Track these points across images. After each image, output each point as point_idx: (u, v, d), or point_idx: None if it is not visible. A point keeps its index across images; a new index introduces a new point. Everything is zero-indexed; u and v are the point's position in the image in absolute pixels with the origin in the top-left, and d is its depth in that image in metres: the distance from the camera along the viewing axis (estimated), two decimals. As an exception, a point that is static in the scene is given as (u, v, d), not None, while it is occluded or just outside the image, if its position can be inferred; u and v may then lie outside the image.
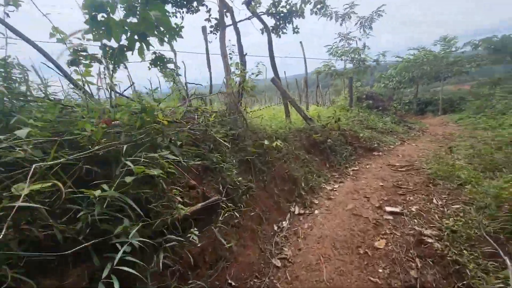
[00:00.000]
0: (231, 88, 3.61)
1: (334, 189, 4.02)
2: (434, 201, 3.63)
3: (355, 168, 4.93)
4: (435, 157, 5.31)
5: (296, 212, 3.30)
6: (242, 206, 2.69)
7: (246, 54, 5.54)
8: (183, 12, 6.89)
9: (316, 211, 3.36)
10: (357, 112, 9.21)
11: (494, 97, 11.05)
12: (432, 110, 17.43)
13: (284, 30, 7.61)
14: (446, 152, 5.62)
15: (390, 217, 3.28)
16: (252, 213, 2.78)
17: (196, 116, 2.88)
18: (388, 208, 3.43)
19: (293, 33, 7.62)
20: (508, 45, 12.31)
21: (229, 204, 2.48)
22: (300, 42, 11.80)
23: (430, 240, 2.90)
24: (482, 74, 18.05)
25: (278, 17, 7.25)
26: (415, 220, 3.22)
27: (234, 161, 2.89)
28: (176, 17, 6.87)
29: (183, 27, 7.56)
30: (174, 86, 3.35)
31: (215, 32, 6.94)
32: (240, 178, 2.82)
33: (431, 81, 18.58)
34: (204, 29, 6.62)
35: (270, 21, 7.18)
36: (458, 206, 3.50)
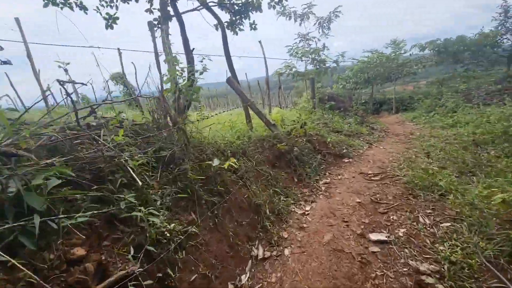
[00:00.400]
0: (167, 91, 2.64)
1: (306, 213, 3.25)
2: (421, 219, 3.07)
3: (327, 181, 4.26)
4: (406, 161, 4.92)
5: (260, 256, 2.44)
6: (176, 269, 1.74)
7: (193, 49, 4.56)
8: (117, 1, 5.69)
9: (286, 251, 2.53)
10: (321, 114, 8.77)
11: (442, 96, 11.57)
12: (387, 109, 18.16)
13: (241, 27, 6.80)
14: (416, 154, 5.32)
15: (377, 249, 2.60)
16: (193, 277, 1.84)
17: (101, 134, 1.86)
18: (373, 236, 2.76)
19: (251, 29, 6.82)
20: (449, 47, 13.14)
21: (149, 278, 1.51)
22: (259, 42, 11.12)
23: (430, 281, 2.27)
24: (428, 74, 19.40)
25: (233, 11, 6.41)
26: (406, 250, 2.58)
27: (163, 198, 1.93)
28: (111, 7, 5.65)
29: (117, 18, 6.21)
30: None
31: (159, 25, 5.84)
32: (173, 224, 1.87)
33: (384, 82, 19.41)
34: (150, 24, 5.48)
35: (225, 16, 6.31)
36: (447, 224, 2.99)
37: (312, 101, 10.00)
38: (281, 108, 16.69)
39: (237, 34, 6.73)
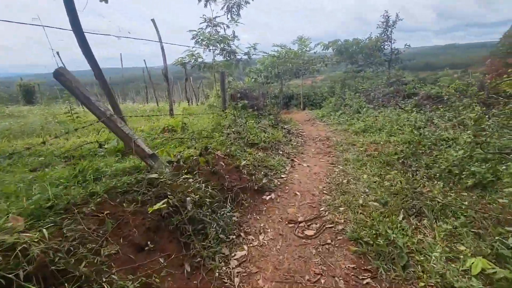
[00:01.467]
0: None
1: None
2: None
3: (242, 253, 2.54)
4: (338, 190, 3.80)
5: None
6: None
7: None
8: None
9: None
10: (233, 117, 7.10)
11: (345, 95, 11.88)
12: (295, 104, 18.40)
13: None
14: (345, 176, 4.32)
15: None
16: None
17: None
18: None
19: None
20: (348, 48, 13.85)
21: None
22: (152, 20, 8.39)
23: None
24: (329, 71, 20.68)
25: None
26: None
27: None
28: None
29: None
30: None
31: None
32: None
33: (292, 77, 19.56)
34: None
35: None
36: None
37: (222, 101, 8.20)
38: (189, 103, 14.23)
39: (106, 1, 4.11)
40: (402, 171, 4.20)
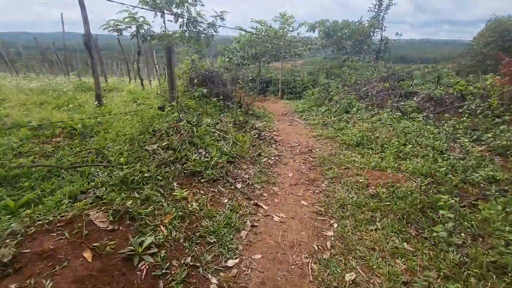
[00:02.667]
0: None
1: None
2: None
3: None
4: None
5: None
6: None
7: None
8: None
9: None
10: (178, 116, 4.77)
11: (330, 87, 9.90)
12: (273, 90, 16.14)
13: None
14: (345, 257, 2.36)
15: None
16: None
17: None
18: None
19: None
20: (336, 31, 11.69)
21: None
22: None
23: None
24: (311, 55, 18.47)
25: None
26: None
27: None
28: None
29: None
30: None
31: None
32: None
33: (271, 60, 17.10)
34: None
35: None
36: None
37: (169, 87, 5.75)
38: (142, 85, 11.36)
39: None
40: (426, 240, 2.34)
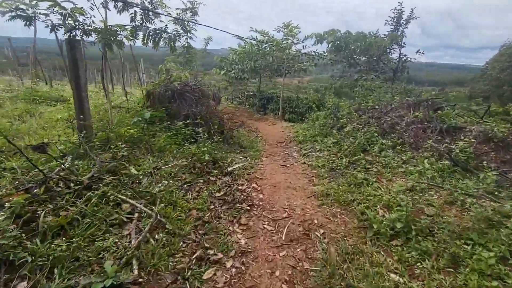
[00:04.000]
0: None
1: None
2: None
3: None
4: None
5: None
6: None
7: None
8: None
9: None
10: (61, 161, 2.57)
11: (339, 111, 7.66)
12: (273, 109, 14.02)
13: None
14: None
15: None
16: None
17: None
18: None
19: None
20: (348, 44, 9.62)
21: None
22: None
23: None
24: (319, 71, 16.44)
25: None
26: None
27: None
28: None
29: None
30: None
31: None
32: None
33: (273, 75, 15.10)
34: None
35: None
36: None
37: (76, 109, 3.58)
38: (106, 93, 9.28)
39: None
40: None
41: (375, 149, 4.91)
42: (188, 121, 5.35)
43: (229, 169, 4.23)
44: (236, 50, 12.71)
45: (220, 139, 5.60)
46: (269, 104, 14.49)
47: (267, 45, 12.47)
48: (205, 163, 4.05)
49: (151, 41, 4.84)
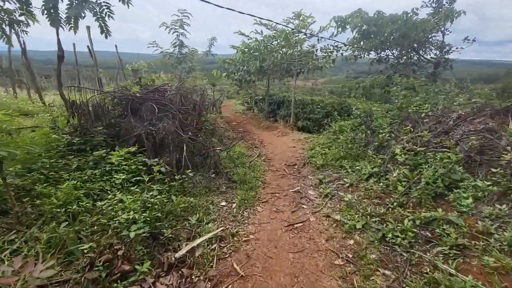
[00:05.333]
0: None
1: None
2: None
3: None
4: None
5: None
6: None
7: None
8: None
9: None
10: None
11: (372, 122, 5.28)
12: (284, 115, 11.76)
13: None
14: None
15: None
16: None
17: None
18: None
19: None
20: (380, 28, 7.12)
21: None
22: None
23: None
24: (338, 71, 14.00)
25: None
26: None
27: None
28: None
29: None
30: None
31: None
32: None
33: (282, 76, 12.86)
34: None
35: None
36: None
37: None
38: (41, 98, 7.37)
39: None
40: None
41: (466, 201, 2.54)
42: (142, 145, 3.28)
43: (179, 254, 2.07)
44: (239, 47, 10.63)
45: (196, 172, 3.49)
46: (280, 109, 12.27)
47: (274, 40, 10.29)
48: (120, 250, 1.92)
49: (66, 23, 2.83)
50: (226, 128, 9.77)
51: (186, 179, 3.30)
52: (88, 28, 6.32)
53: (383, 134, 4.39)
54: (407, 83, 6.25)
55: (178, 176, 3.20)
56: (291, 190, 3.87)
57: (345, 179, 3.90)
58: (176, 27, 8.67)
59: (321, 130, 9.01)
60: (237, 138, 6.87)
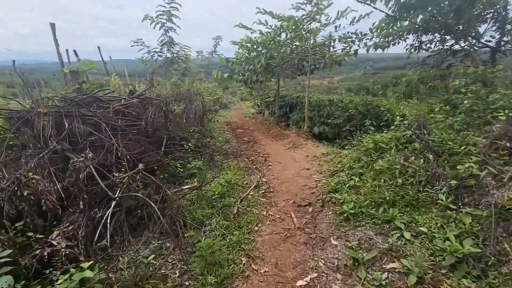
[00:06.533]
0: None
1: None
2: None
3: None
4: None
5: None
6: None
7: None
8: None
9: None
10: None
11: (428, 136, 3.24)
12: (297, 119, 9.79)
13: None
14: None
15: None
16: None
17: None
18: None
19: None
20: None
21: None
22: None
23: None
24: (354, 68, 11.80)
25: None
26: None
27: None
28: None
29: None
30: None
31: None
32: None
33: (294, 74, 10.87)
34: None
35: None
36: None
37: None
38: None
39: None
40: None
41: None
42: None
43: None
44: (240, 42, 8.85)
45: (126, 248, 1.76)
46: (293, 113, 10.33)
47: (282, 31, 8.40)
48: None
49: None
50: (226, 140, 8.05)
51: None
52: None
53: (467, 166, 2.37)
54: (474, 73, 4.10)
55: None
56: (299, 284, 2.00)
57: (403, 260, 1.97)
58: (163, 20, 7.09)
59: (341, 138, 7.00)
60: (234, 154, 5.10)
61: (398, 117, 4.01)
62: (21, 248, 1.79)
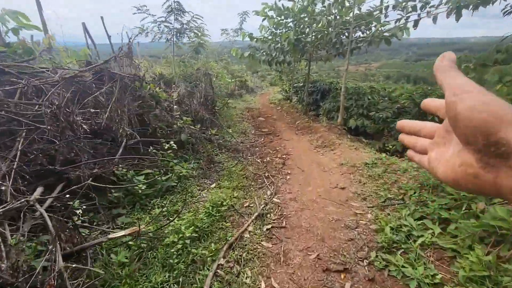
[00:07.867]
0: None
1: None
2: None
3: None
4: None
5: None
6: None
7: None
8: None
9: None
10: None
11: None
12: (330, 109, 7.87)
13: None
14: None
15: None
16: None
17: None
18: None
19: None
20: None
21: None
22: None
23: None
24: (396, 54, 9.17)
25: None
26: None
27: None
28: None
29: None
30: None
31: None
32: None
33: (330, 56, 8.74)
34: None
35: None
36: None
37: None
38: None
39: None
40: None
41: None
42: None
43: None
44: (265, 7, 7.03)
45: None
46: (324, 100, 8.41)
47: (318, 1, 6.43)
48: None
49: None
50: (242, 130, 6.62)
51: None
52: None
53: None
54: None
55: None
56: None
57: None
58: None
59: (388, 138, 5.15)
60: (245, 151, 3.68)
61: None
62: None
